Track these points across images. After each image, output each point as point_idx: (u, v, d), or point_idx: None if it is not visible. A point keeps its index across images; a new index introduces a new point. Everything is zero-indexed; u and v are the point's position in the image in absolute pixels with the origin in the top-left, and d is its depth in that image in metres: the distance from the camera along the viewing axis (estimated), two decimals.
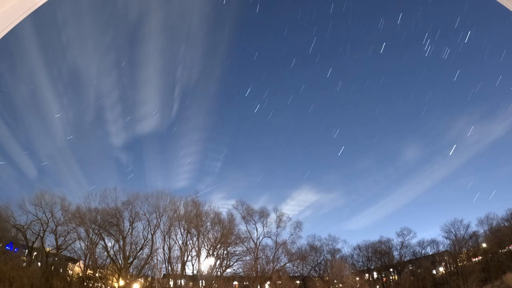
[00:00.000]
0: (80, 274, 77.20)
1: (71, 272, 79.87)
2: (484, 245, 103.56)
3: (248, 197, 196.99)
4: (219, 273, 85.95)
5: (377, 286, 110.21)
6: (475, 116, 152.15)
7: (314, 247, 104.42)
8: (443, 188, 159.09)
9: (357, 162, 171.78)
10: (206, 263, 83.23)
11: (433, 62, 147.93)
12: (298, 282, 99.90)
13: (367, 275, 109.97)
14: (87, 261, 77.48)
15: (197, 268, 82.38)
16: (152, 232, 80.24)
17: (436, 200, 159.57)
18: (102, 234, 78.75)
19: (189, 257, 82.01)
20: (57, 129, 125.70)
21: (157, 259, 79.27)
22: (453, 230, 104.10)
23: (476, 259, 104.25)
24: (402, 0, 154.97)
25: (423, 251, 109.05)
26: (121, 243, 78.19)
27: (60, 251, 78.71)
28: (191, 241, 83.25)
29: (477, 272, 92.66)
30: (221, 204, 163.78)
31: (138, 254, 79.73)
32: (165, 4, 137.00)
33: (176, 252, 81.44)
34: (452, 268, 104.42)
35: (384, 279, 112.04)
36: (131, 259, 78.73)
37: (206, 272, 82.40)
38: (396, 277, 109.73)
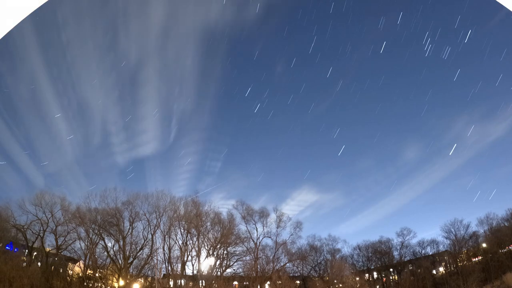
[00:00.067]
0: (80, 274, 77.18)
1: (71, 272, 79.85)
2: (484, 245, 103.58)
3: (248, 197, 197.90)
4: (219, 273, 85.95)
5: (377, 286, 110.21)
6: (475, 116, 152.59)
7: (314, 247, 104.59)
8: (443, 188, 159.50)
9: (357, 162, 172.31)
10: (206, 263, 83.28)
11: (433, 62, 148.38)
12: (298, 282, 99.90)
13: (367, 275, 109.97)
14: (87, 261, 77.45)
15: (197, 268, 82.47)
16: (152, 232, 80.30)
17: (436, 200, 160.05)
18: (102, 234, 78.75)
19: (189, 257, 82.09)
20: (57, 129, 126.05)
21: (157, 259, 79.36)
22: (453, 230, 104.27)
23: (476, 259, 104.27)
24: (402, 0, 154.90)
25: (423, 251, 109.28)
26: (121, 243, 78.17)
27: (60, 251, 78.68)
28: (191, 241, 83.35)
29: (477, 272, 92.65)
30: (221, 204, 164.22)
31: (138, 254, 79.75)
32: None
33: (176, 252, 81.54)
34: (452, 268, 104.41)
35: (384, 279, 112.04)
36: (131, 259, 78.71)
37: (206, 272, 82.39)
38: (396, 277, 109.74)
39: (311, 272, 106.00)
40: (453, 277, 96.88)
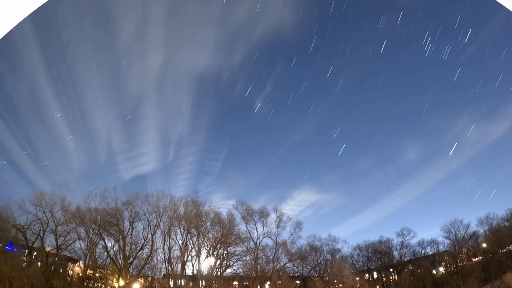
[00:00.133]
0: (80, 274, 77.17)
1: (71, 272, 79.84)
2: (484, 245, 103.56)
3: (248, 197, 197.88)
4: (219, 273, 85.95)
5: (377, 286, 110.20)
6: (475, 116, 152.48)
7: (314, 247, 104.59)
8: (443, 188, 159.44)
9: (357, 162, 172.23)
10: (206, 263, 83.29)
11: (433, 62, 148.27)
12: (298, 282, 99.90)
13: (367, 275, 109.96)
14: (87, 261, 77.45)
15: (197, 268, 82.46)
16: (152, 232, 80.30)
17: (436, 200, 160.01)
18: (102, 234, 78.75)
19: (189, 257, 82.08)
20: (58, 129, 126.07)
21: (157, 259, 79.35)
22: (453, 230, 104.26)
23: (476, 259, 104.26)
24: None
25: (423, 251, 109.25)
26: (121, 243, 78.17)
27: (60, 251, 78.68)
28: (191, 241, 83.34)
29: (477, 272, 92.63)
30: (221, 204, 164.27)
31: (138, 254, 79.76)
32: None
33: (176, 252, 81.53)
34: (452, 268, 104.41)
35: (384, 279, 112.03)
36: (131, 259, 78.70)
37: (206, 272, 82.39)
38: (396, 277, 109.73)
39: (311, 272, 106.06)
40: (453, 277, 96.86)
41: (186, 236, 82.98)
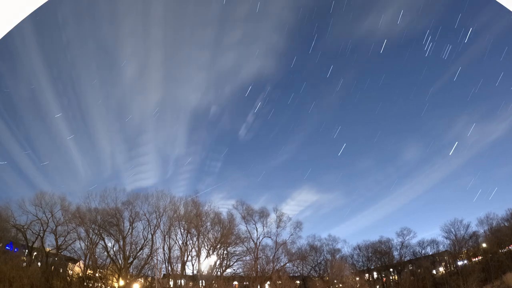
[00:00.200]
0: (80, 274, 77.16)
1: (71, 272, 79.82)
2: (484, 245, 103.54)
3: (248, 197, 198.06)
4: (219, 273, 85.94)
5: (377, 286, 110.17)
6: (475, 116, 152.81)
7: (314, 247, 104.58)
8: (443, 188, 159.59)
9: (357, 162, 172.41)
10: (206, 263, 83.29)
11: (433, 62, 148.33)
12: (298, 282, 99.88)
13: (367, 275, 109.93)
14: (87, 261, 77.43)
15: (197, 268, 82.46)
16: (152, 232, 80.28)
17: (436, 200, 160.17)
18: (102, 234, 78.74)
19: (189, 257, 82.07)
20: (58, 129, 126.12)
21: (157, 259, 79.34)
22: (453, 230, 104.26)
23: (476, 259, 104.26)
24: None
25: (423, 251, 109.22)
26: (121, 243, 78.16)
27: (60, 251, 78.67)
28: (191, 241, 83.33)
29: (477, 272, 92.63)
30: (221, 204, 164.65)
31: (138, 254, 79.75)
32: None
33: (176, 252, 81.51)
34: (452, 268, 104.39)
35: (384, 279, 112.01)
36: (131, 259, 78.69)
37: (206, 272, 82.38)
38: (396, 277, 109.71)
39: (311, 272, 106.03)
40: (453, 277, 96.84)
41: (186, 236, 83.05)
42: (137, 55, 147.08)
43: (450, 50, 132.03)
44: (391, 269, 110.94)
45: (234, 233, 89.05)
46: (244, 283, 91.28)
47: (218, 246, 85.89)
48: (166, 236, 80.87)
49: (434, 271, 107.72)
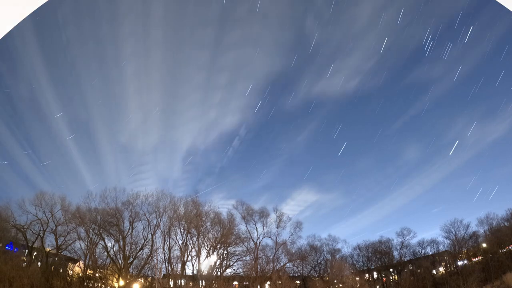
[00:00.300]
0: (80, 274, 77.15)
1: (71, 272, 79.81)
2: (484, 245, 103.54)
3: (248, 197, 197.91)
4: (219, 273, 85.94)
5: (377, 286, 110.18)
6: (475, 116, 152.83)
7: (314, 247, 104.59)
8: (443, 188, 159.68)
9: (357, 162, 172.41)
10: (206, 263, 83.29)
11: (433, 62, 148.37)
12: (298, 282, 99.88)
13: (367, 275, 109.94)
14: (87, 261, 77.42)
15: (197, 268, 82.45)
16: (152, 232, 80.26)
17: (436, 200, 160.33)
18: (102, 234, 78.71)
19: (189, 257, 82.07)
20: (58, 129, 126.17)
21: (157, 259, 79.33)
22: (453, 230, 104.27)
23: (476, 259, 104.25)
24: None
25: (423, 251, 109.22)
26: (121, 243, 78.14)
27: (60, 251, 78.65)
28: (191, 241, 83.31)
29: (477, 272, 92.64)
30: (221, 204, 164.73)
31: (138, 254, 79.71)
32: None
33: (176, 252, 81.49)
34: (452, 268, 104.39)
35: (384, 279, 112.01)
36: (131, 259, 78.67)
37: (206, 272, 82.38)
38: (396, 277, 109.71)
39: (311, 272, 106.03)
40: (453, 277, 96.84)
41: (186, 236, 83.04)
42: (137, 55, 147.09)
43: (450, 50, 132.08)
44: (391, 269, 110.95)
45: (234, 233, 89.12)
46: (244, 283, 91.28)
47: (218, 246, 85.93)
48: (166, 236, 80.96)
49: (434, 271, 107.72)
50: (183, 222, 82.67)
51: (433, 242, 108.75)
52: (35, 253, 78.25)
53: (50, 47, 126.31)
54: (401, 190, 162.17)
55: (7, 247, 71.57)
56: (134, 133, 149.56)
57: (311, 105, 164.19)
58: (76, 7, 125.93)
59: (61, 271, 78.21)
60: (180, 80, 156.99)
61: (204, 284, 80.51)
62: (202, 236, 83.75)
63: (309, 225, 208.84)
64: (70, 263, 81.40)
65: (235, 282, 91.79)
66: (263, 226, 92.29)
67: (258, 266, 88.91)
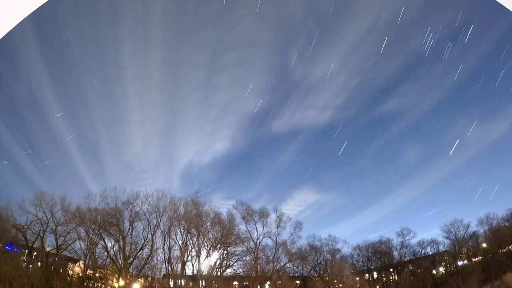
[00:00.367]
0: (80, 274, 77.14)
1: (71, 272, 79.80)
2: (484, 245, 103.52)
3: (248, 197, 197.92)
4: (219, 273, 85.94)
5: (377, 286, 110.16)
6: (475, 116, 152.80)
7: (314, 247, 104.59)
8: (443, 188, 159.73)
9: (357, 162, 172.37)
10: (206, 263, 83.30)
11: (433, 62, 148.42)
12: (298, 282, 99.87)
13: (367, 275, 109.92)
14: (87, 261, 77.41)
15: (197, 268, 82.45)
16: (152, 232, 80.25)
17: (436, 200, 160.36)
18: (102, 234, 78.70)
19: (189, 257, 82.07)
20: (58, 129, 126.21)
21: (157, 259, 79.33)
22: (453, 230, 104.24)
23: (476, 259, 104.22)
24: None
25: (423, 251, 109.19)
26: (121, 243, 78.13)
27: (60, 251, 78.63)
28: (191, 241, 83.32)
29: (477, 272, 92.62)
30: (221, 204, 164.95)
31: (138, 254, 79.69)
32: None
33: (176, 252, 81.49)
34: (452, 268, 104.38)
35: (384, 279, 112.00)
36: (131, 259, 78.66)
37: (206, 272, 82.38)
38: (396, 277, 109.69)
39: (311, 272, 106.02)
40: (453, 277, 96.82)
41: (186, 236, 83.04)
42: (137, 55, 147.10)
43: (450, 50, 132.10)
44: (391, 269, 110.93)
45: (234, 233, 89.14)
46: (244, 283, 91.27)
47: (218, 246, 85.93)
48: (166, 236, 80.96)
49: (434, 271, 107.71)
50: (183, 222, 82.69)
51: (433, 242, 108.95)
52: (35, 253, 78.24)
53: (50, 47, 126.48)
54: (401, 190, 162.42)
55: (7, 247, 71.56)
56: (134, 132, 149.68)
57: (311, 104, 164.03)
58: (76, 7, 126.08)
59: (61, 271, 78.20)
60: (180, 80, 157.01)
61: (204, 284, 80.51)
62: (202, 236, 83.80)
63: (309, 225, 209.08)
64: (70, 263, 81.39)
65: (235, 282, 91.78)
66: (263, 226, 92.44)
67: (258, 266, 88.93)
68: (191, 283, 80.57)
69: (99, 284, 77.13)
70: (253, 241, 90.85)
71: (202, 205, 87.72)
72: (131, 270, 78.46)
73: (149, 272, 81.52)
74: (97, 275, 76.99)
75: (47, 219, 76.71)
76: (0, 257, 62.24)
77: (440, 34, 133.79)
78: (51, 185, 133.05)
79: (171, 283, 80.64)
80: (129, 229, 79.47)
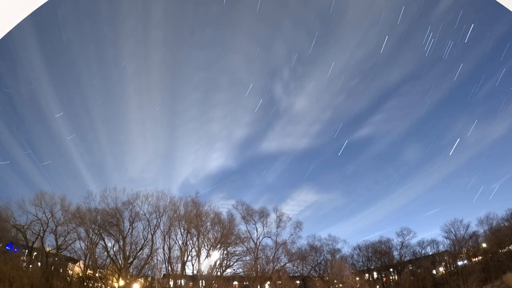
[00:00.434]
0: (80, 274, 77.14)
1: (71, 272, 79.79)
2: (484, 245, 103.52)
3: (248, 197, 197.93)
4: (219, 273, 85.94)
5: (377, 286, 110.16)
6: (475, 116, 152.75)
7: (314, 247, 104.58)
8: (443, 188, 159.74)
9: (357, 162, 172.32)
10: (206, 263, 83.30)
11: (433, 61, 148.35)
12: (298, 282, 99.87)
13: (367, 275, 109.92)
14: (87, 261, 77.40)
15: (197, 268, 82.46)
16: (152, 232, 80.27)
17: (436, 200, 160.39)
18: (102, 234, 78.69)
19: (189, 257, 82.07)
20: (58, 129, 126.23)
21: (157, 259, 79.34)
22: (453, 230, 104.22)
23: (476, 259, 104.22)
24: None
25: (423, 251, 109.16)
26: (121, 243, 78.13)
27: (60, 251, 78.62)
28: (191, 241, 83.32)
29: (477, 272, 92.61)
30: (221, 204, 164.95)
31: (138, 254, 79.70)
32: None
33: (176, 252, 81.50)
34: (452, 268, 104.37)
35: (384, 279, 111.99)
36: (131, 259, 78.66)
37: (206, 272, 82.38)
38: (396, 277, 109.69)
39: (311, 272, 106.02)
40: (453, 277, 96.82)
41: (186, 236, 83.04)
42: (137, 55, 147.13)
43: (450, 50, 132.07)
44: (391, 269, 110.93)
45: (234, 233, 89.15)
46: (244, 283, 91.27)
47: (218, 246, 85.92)
48: (166, 236, 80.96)
49: (434, 271, 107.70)
50: (183, 222, 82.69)
51: (433, 242, 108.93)
52: (35, 253, 78.23)
53: (50, 47, 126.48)
54: (401, 190, 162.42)
55: (7, 247, 71.56)
56: (134, 132, 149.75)
57: (311, 104, 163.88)
58: (76, 7, 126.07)
59: (61, 271, 78.19)
60: (180, 80, 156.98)
61: (204, 284, 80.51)
62: (202, 236, 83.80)
63: (309, 225, 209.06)
64: (70, 263, 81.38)
65: (235, 282, 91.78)
66: (263, 226, 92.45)
67: (258, 266, 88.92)
68: (191, 283, 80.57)
69: (99, 284, 77.12)
70: (253, 241, 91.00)
71: (202, 205, 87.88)
72: (131, 270, 78.47)
73: (149, 272, 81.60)
74: (97, 275, 76.99)
75: (47, 219, 76.75)
76: (0, 257, 62.24)
77: (440, 34, 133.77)
78: (51, 185, 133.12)
79: (171, 283, 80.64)
80: (129, 229, 79.60)
